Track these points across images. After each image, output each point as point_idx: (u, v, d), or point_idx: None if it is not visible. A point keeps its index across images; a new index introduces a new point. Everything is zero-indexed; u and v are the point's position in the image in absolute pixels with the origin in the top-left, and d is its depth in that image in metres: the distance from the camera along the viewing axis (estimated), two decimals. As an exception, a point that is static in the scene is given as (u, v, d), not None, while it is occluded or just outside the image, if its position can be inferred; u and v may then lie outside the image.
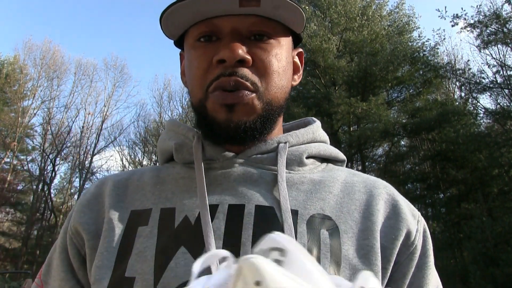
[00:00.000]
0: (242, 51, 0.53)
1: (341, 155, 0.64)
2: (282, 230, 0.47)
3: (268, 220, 0.50)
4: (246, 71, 0.54)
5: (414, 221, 0.55)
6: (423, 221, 0.56)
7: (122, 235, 0.52)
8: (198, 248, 0.48)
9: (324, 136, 0.65)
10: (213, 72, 0.55)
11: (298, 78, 0.66)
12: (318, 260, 0.47)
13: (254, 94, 0.53)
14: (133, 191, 0.58)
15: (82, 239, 0.55)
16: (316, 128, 0.63)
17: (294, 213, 0.50)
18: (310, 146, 0.59)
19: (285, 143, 0.57)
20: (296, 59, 0.66)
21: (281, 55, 0.57)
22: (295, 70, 0.65)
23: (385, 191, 0.57)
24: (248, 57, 0.54)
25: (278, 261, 0.29)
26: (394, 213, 0.54)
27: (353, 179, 0.57)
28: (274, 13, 0.56)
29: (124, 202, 0.56)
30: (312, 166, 0.59)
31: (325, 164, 0.62)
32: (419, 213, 0.58)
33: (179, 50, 0.69)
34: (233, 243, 0.48)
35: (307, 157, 0.59)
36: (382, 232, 0.52)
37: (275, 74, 0.56)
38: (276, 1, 0.54)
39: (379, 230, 0.52)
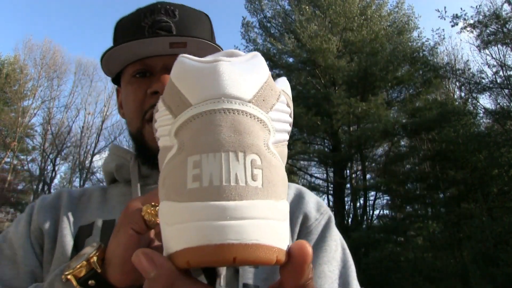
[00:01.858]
0: None
1: None
2: None
3: None
4: None
5: (317, 213, 0.67)
6: (329, 213, 0.69)
7: (73, 245, 0.60)
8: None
9: None
10: (148, 102, 0.63)
11: None
12: None
13: None
14: (82, 208, 0.67)
15: (43, 239, 0.62)
16: None
17: None
18: None
19: None
20: None
21: None
22: None
23: (292, 191, 0.69)
24: None
25: None
26: (297, 205, 0.67)
27: None
28: (197, 53, 0.62)
29: (74, 217, 0.64)
30: None
31: None
32: (328, 208, 0.70)
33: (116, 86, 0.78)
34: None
35: None
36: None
37: None
38: (200, 43, 0.63)
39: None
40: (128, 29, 0.68)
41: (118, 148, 0.75)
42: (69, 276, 0.41)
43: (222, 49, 0.65)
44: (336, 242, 0.64)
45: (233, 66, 0.26)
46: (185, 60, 0.27)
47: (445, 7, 11.29)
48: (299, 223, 0.64)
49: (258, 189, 0.23)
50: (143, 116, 0.63)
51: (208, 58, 0.27)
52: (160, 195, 0.26)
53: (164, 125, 0.27)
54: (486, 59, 12.38)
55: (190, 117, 0.25)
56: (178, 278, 0.24)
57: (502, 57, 12.19)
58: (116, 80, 0.74)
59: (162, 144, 0.28)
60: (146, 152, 0.64)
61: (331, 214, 0.69)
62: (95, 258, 0.40)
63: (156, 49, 0.62)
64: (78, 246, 0.60)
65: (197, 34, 0.66)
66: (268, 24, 15.73)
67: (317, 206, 0.68)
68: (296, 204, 0.67)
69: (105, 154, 27.52)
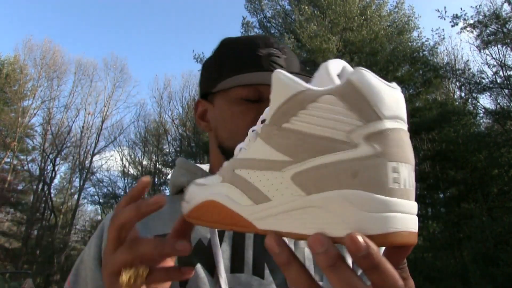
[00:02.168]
0: None
1: None
2: None
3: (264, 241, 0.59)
4: None
5: None
6: None
7: None
8: (211, 266, 0.62)
9: None
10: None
11: None
12: None
13: None
14: (153, 218, 0.68)
15: None
16: None
17: None
18: None
19: None
20: None
21: None
22: None
23: None
24: None
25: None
26: None
27: None
28: None
29: (147, 228, 0.67)
30: None
31: None
32: None
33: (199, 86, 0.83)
34: (238, 261, 0.63)
35: None
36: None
37: None
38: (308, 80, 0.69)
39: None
40: (243, 54, 0.74)
41: (188, 163, 0.80)
42: None
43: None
44: None
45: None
46: (368, 74, 0.32)
47: (445, 7, 11.31)
48: None
49: (414, 193, 0.33)
50: None
51: (376, 79, 0.34)
52: (349, 184, 0.31)
53: (342, 122, 0.32)
54: (486, 59, 12.40)
55: (387, 129, 0.32)
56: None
57: (502, 57, 12.21)
58: (204, 95, 0.79)
59: (326, 135, 0.32)
60: None
61: None
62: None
63: (270, 80, 0.66)
64: None
65: (302, 73, 0.71)
66: (268, 24, 15.74)
67: None
68: None
69: (105, 154, 27.48)
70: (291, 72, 0.60)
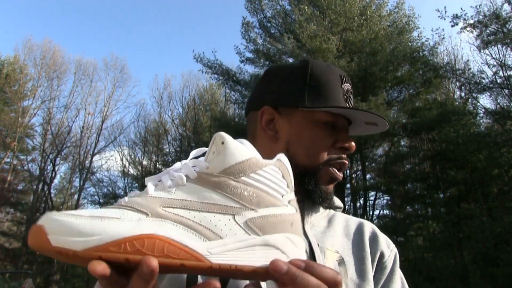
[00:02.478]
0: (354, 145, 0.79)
1: (340, 204, 0.86)
2: (313, 259, 0.68)
3: None
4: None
5: (387, 249, 0.81)
6: (395, 250, 0.83)
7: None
8: None
9: None
10: (335, 152, 0.77)
11: None
12: None
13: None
14: None
15: None
16: None
17: (317, 245, 0.71)
18: None
19: None
20: None
21: None
22: None
23: (369, 229, 0.83)
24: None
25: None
26: (373, 241, 0.80)
27: (349, 223, 0.83)
28: (367, 130, 0.84)
29: None
30: (321, 212, 0.82)
31: (329, 210, 0.85)
32: (393, 244, 0.84)
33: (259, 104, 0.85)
34: None
35: None
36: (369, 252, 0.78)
37: None
38: (380, 121, 0.79)
39: (369, 257, 0.76)
40: (332, 84, 0.79)
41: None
42: None
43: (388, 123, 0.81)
44: (400, 275, 0.80)
45: None
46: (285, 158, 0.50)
47: (445, 7, 11.30)
48: (377, 259, 0.78)
49: None
50: (328, 160, 0.76)
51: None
52: (289, 230, 0.46)
53: (279, 186, 0.47)
54: (486, 59, 12.40)
55: (294, 197, 0.49)
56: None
57: (502, 57, 12.21)
58: (276, 107, 0.82)
59: (271, 193, 0.46)
60: (314, 188, 0.75)
61: (396, 250, 0.83)
62: None
63: (350, 114, 0.78)
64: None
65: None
66: (268, 24, 15.73)
67: (387, 243, 0.83)
68: (373, 242, 0.80)
69: (105, 154, 27.52)
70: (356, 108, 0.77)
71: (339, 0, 13.29)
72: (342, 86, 0.80)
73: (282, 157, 0.48)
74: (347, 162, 0.77)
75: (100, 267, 0.36)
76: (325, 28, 12.92)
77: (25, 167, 20.39)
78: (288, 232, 0.45)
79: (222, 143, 0.45)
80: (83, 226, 0.38)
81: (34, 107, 20.09)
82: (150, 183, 0.45)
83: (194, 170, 0.45)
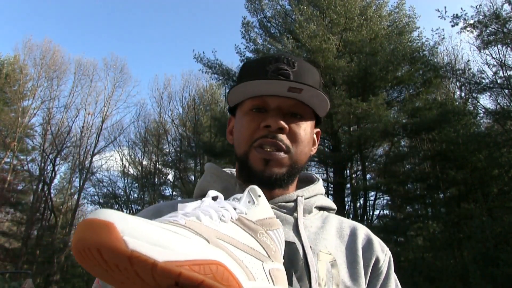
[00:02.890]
0: (283, 122, 0.75)
1: (334, 205, 0.88)
2: (306, 260, 0.69)
3: (291, 252, 0.69)
4: (283, 137, 0.76)
5: (382, 254, 0.80)
6: (389, 254, 0.82)
7: None
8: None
9: (323, 189, 0.90)
10: (259, 133, 0.76)
11: (314, 150, 0.88)
12: (325, 283, 0.70)
13: (286, 155, 0.76)
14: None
15: None
16: (320, 185, 0.88)
17: (309, 247, 0.72)
18: (316, 199, 0.84)
19: (302, 196, 0.80)
20: (315, 137, 0.88)
21: (307, 131, 0.80)
22: (313, 144, 0.88)
23: (363, 232, 0.83)
24: (286, 127, 0.76)
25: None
26: (368, 248, 0.80)
27: (342, 225, 0.83)
28: (308, 100, 0.78)
29: None
30: (315, 213, 0.83)
31: (322, 211, 0.86)
32: (387, 247, 0.83)
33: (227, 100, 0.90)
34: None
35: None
36: (362, 259, 0.77)
37: (303, 144, 0.78)
38: (313, 92, 0.75)
39: (361, 261, 0.76)
40: (254, 70, 0.81)
41: (220, 171, 0.85)
42: None
43: (329, 99, 0.79)
44: (395, 279, 0.82)
45: None
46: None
47: (445, 7, 11.29)
48: (372, 264, 0.78)
49: None
50: (252, 143, 0.76)
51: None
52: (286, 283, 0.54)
53: (281, 245, 0.57)
54: (486, 59, 12.40)
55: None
56: None
57: (502, 57, 12.20)
58: (231, 111, 0.87)
59: (278, 250, 0.54)
60: (248, 172, 0.77)
61: (390, 253, 0.83)
62: None
63: (275, 90, 0.75)
64: None
65: (310, 84, 0.76)
66: (268, 24, 15.73)
67: (381, 247, 0.83)
68: (367, 247, 0.80)
69: (105, 154, 27.47)
70: (301, 83, 0.75)
71: (339, 0, 13.28)
72: (268, 67, 0.79)
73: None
74: (270, 140, 0.75)
75: None
76: (325, 28, 12.91)
77: (25, 167, 20.40)
78: (284, 285, 0.51)
79: (259, 196, 0.54)
80: (160, 237, 0.36)
81: (34, 107, 20.10)
82: (200, 212, 0.47)
83: (236, 213, 0.50)
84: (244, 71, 0.85)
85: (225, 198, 0.75)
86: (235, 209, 0.50)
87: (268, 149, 0.74)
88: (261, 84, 0.75)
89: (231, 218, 0.48)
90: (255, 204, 0.52)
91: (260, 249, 0.48)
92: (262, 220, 0.51)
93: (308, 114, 0.80)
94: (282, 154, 0.75)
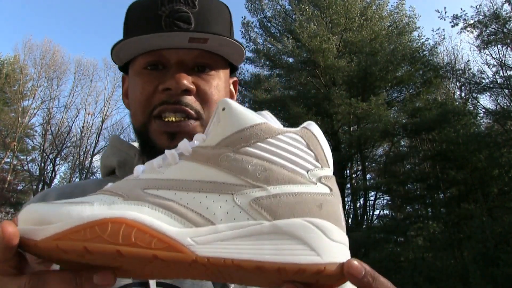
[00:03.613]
0: (187, 81, 0.59)
1: None
2: None
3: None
4: (190, 100, 0.60)
5: None
6: None
7: None
8: None
9: None
10: (158, 98, 0.60)
11: None
12: None
13: (197, 122, 0.61)
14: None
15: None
16: None
17: None
18: None
19: None
20: (231, 87, 0.74)
21: (221, 86, 0.64)
22: (231, 97, 0.73)
23: None
24: (193, 86, 0.60)
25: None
26: None
27: None
28: (217, 49, 0.63)
29: None
30: None
31: None
32: None
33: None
34: None
35: None
36: None
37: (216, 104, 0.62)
38: (222, 40, 0.61)
39: None
40: (143, 16, 0.63)
41: (120, 141, 0.70)
42: None
43: (242, 45, 0.64)
44: None
45: None
46: (318, 128, 0.39)
47: (445, 7, 11.31)
48: None
49: None
50: (151, 112, 0.61)
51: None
52: (316, 213, 0.33)
53: (301, 157, 0.36)
54: (486, 59, 12.39)
55: (331, 175, 0.37)
56: None
57: (502, 57, 12.20)
58: (123, 68, 0.70)
59: (290, 166, 0.35)
60: (150, 148, 0.61)
61: None
62: None
63: (173, 42, 0.60)
64: None
65: (218, 28, 0.63)
66: (268, 24, 15.73)
67: None
68: None
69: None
70: (204, 32, 0.59)
71: (340, 0, 13.28)
72: (161, 10, 0.61)
73: (310, 124, 0.38)
74: (173, 106, 0.59)
75: (10, 229, 0.30)
76: (326, 28, 12.92)
77: (25, 167, 20.39)
78: (313, 216, 0.33)
79: (223, 109, 0.36)
80: (47, 213, 0.32)
81: (34, 107, 20.10)
82: (138, 166, 0.38)
83: (190, 146, 0.37)
84: (131, 17, 0.66)
85: (122, 173, 0.64)
86: (191, 142, 0.38)
87: (172, 119, 0.59)
88: (154, 38, 0.59)
89: (182, 155, 0.36)
90: (216, 122, 0.36)
91: (225, 179, 0.34)
92: (228, 138, 0.35)
93: (218, 63, 0.64)
94: (192, 122, 0.59)
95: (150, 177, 0.35)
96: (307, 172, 0.35)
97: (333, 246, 0.33)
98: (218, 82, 0.64)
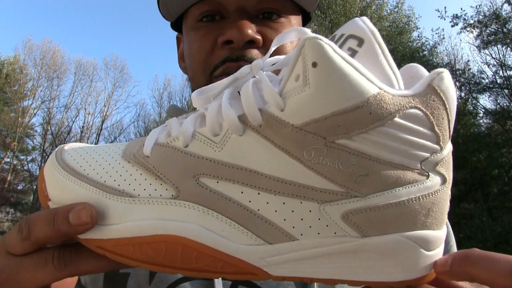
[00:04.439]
0: (251, 30, 0.47)
1: None
2: None
3: None
4: (256, 54, 0.48)
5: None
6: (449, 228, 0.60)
7: None
8: None
9: None
10: (218, 55, 0.49)
11: None
12: None
13: None
14: None
15: None
16: None
17: None
18: None
19: None
20: None
21: None
22: None
23: None
24: (259, 37, 0.48)
25: (352, 50, 0.25)
26: None
27: None
28: None
29: None
30: None
31: None
32: None
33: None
34: None
35: None
36: None
37: None
38: None
39: None
40: None
41: (180, 111, 0.60)
42: None
43: None
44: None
45: None
46: (450, 78, 0.25)
47: (445, 7, 11.31)
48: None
49: None
50: (212, 72, 0.50)
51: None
52: (422, 225, 0.26)
53: (420, 146, 0.24)
54: (486, 59, 12.40)
55: (449, 154, 0.26)
56: None
57: (502, 57, 12.20)
58: (176, 25, 0.59)
59: (397, 162, 0.24)
60: None
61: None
62: None
63: None
64: None
65: None
66: (268, 24, 15.78)
67: None
68: None
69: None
70: None
71: (340, 0, 13.31)
72: None
73: (441, 81, 0.25)
74: (237, 64, 0.48)
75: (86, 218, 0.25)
76: (326, 28, 12.94)
77: (25, 167, 20.40)
78: (416, 228, 0.25)
79: (314, 64, 0.22)
80: (79, 194, 0.26)
81: (34, 107, 20.11)
82: (174, 119, 0.28)
83: (259, 108, 0.24)
84: None
85: None
86: (258, 99, 0.25)
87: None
88: None
89: (247, 122, 0.24)
90: (305, 83, 0.23)
91: (312, 181, 0.24)
92: (322, 119, 0.23)
93: (288, 8, 0.52)
94: None
95: (203, 153, 0.25)
96: (421, 163, 0.25)
97: (429, 258, 0.26)
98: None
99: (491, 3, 11.40)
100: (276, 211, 0.24)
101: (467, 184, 11.21)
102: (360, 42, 0.25)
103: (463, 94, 13.93)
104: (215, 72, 0.50)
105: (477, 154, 10.67)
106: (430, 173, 0.26)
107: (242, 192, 0.24)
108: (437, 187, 0.26)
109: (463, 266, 0.26)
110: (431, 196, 0.26)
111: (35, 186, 20.03)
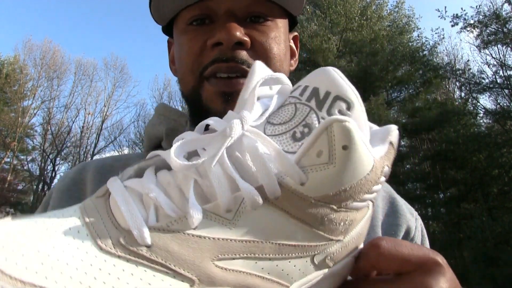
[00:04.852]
0: (239, 32, 0.49)
1: None
2: None
3: None
4: (244, 55, 0.50)
5: (412, 218, 0.58)
6: (419, 219, 0.60)
7: None
8: None
9: None
10: (208, 56, 0.51)
11: (294, 63, 0.63)
12: None
13: None
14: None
15: None
16: None
17: None
18: None
19: None
20: (292, 43, 0.63)
21: (280, 39, 0.53)
22: (292, 55, 0.62)
23: (382, 189, 0.57)
24: (247, 38, 0.50)
25: (343, 113, 0.27)
26: (392, 211, 0.57)
27: None
28: None
29: None
30: None
31: None
32: (415, 211, 0.61)
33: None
34: None
35: None
36: (383, 229, 0.54)
37: (276, 59, 0.52)
38: None
39: (380, 226, 0.54)
40: None
41: (169, 109, 0.60)
42: None
43: None
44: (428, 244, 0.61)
45: None
46: None
47: (445, 7, 11.31)
48: (402, 235, 0.56)
49: None
50: (201, 73, 0.51)
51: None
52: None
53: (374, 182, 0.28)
54: (486, 59, 12.40)
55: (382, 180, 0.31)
56: None
57: (502, 57, 12.20)
58: (168, 29, 0.60)
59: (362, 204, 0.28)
60: (203, 115, 0.48)
61: (420, 219, 0.62)
62: None
63: None
64: None
65: None
66: (268, 24, 15.76)
67: (407, 207, 0.60)
68: (391, 210, 0.57)
69: (105, 154, 27.58)
70: None
71: (340, 0, 13.31)
72: None
73: (394, 135, 0.30)
74: (226, 64, 0.49)
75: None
76: (326, 28, 12.93)
77: (25, 167, 20.40)
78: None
79: (345, 147, 0.23)
80: None
81: (34, 107, 20.11)
82: (158, 189, 0.24)
83: (279, 179, 0.23)
84: None
85: (169, 143, 0.53)
86: (277, 173, 0.24)
87: (226, 78, 0.50)
88: None
89: (264, 196, 0.23)
90: (330, 162, 0.24)
91: (312, 239, 0.25)
92: (342, 192, 0.24)
93: (275, 11, 0.54)
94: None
95: (217, 234, 0.22)
96: (372, 194, 0.28)
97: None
98: (276, 34, 0.53)
99: (491, 3, 11.42)
100: (282, 270, 0.25)
101: (467, 184, 11.21)
102: (349, 105, 0.27)
103: (463, 94, 13.94)
104: (204, 73, 0.51)
105: (477, 154, 10.67)
106: (368, 202, 0.29)
107: (256, 263, 0.24)
108: (369, 213, 0.30)
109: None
110: (367, 221, 0.31)
111: (35, 186, 20.04)
